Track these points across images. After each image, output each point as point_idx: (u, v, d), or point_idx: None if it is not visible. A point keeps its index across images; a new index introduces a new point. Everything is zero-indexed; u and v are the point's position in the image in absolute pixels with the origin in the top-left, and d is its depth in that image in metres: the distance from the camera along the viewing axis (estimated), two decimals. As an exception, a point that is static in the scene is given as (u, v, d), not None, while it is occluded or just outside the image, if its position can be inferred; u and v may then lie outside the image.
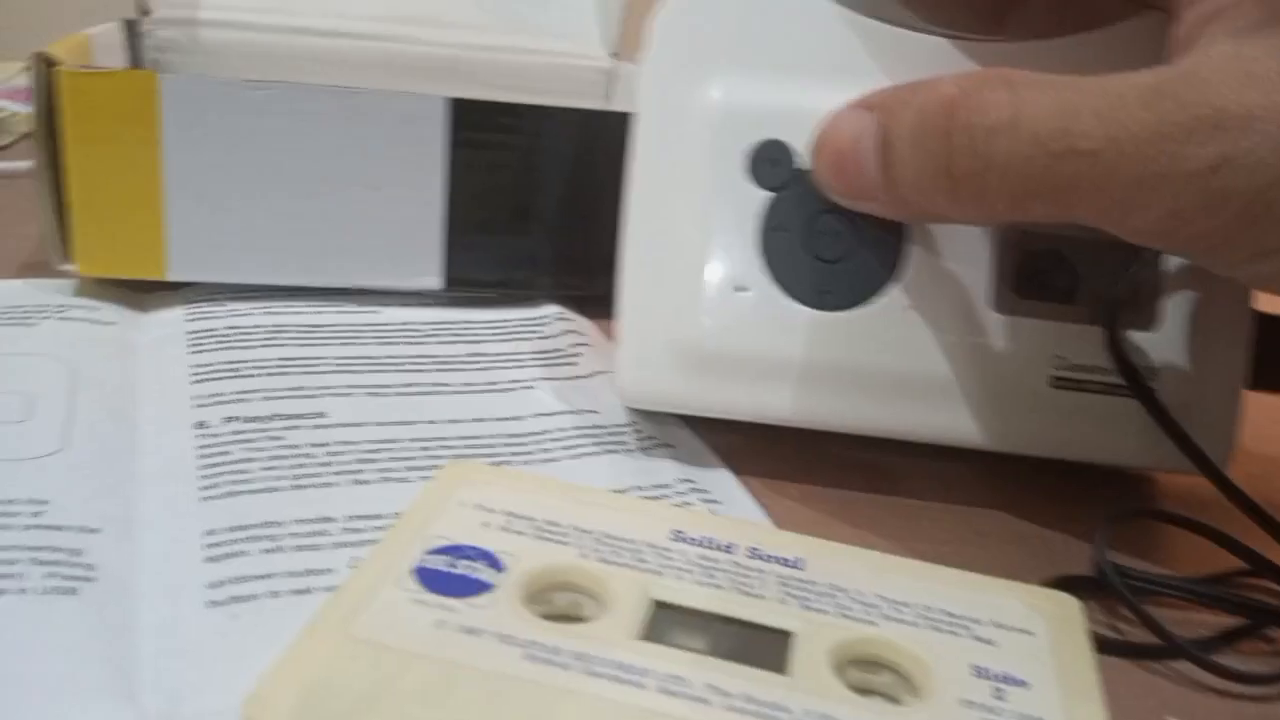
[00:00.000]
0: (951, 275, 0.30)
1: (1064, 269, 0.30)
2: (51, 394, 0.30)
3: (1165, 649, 0.26)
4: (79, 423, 0.29)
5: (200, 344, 0.34)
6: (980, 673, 0.21)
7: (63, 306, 0.36)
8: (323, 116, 0.36)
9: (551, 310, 0.40)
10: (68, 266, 0.37)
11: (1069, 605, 0.24)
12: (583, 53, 0.52)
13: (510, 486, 0.25)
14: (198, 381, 0.32)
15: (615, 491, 0.29)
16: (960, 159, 0.25)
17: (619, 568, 0.23)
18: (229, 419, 0.30)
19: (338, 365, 0.34)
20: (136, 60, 0.49)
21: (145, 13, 0.49)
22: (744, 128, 0.30)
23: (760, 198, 0.30)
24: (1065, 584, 0.26)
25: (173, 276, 0.37)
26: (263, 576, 0.24)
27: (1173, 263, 0.31)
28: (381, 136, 0.37)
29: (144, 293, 0.38)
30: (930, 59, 0.30)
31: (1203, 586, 0.28)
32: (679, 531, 0.24)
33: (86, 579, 0.23)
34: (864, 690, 0.21)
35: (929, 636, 0.22)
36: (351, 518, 0.27)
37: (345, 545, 0.26)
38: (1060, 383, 0.30)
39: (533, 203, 0.39)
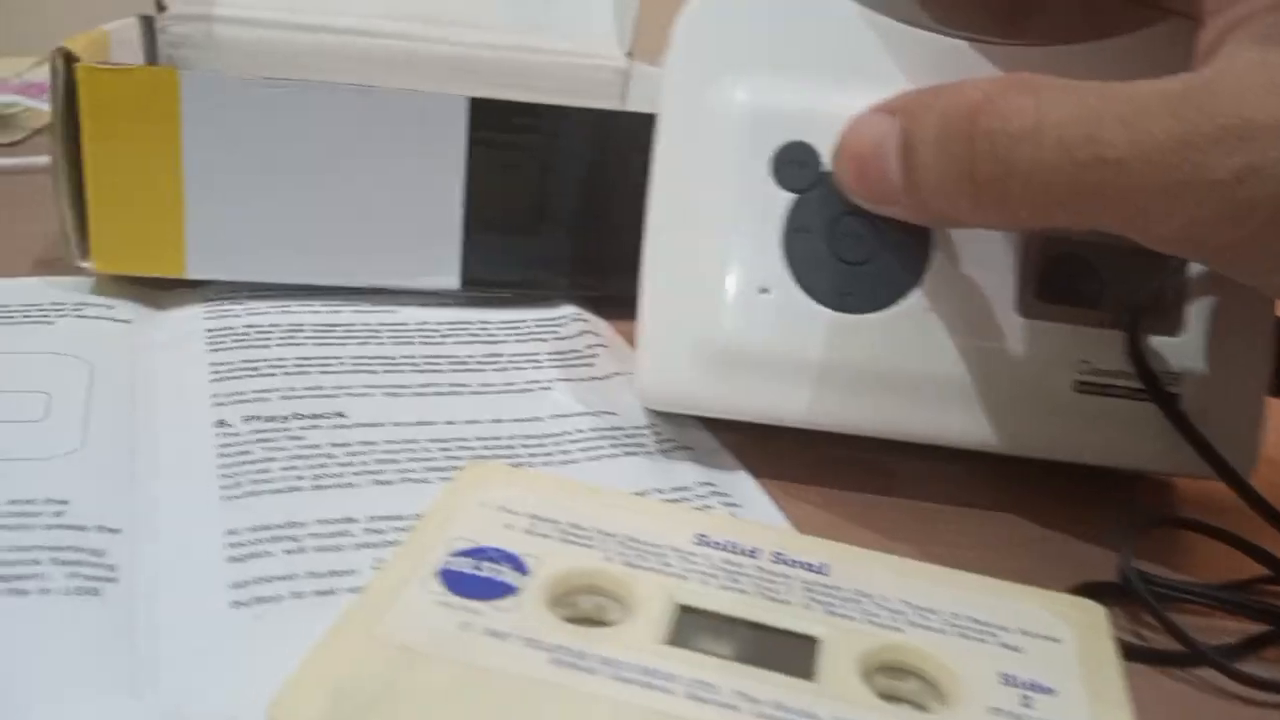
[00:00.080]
0: (975, 279, 0.30)
1: (1088, 273, 0.30)
2: (70, 392, 0.30)
3: (1189, 656, 0.25)
4: (98, 421, 0.29)
5: (219, 342, 0.34)
6: (1008, 680, 0.21)
7: (80, 304, 0.36)
8: (343, 115, 0.36)
9: (568, 311, 0.40)
10: (85, 264, 0.36)
11: (1095, 612, 0.24)
12: (599, 52, 0.52)
13: (532, 488, 0.25)
14: (217, 380, 0.32)
15: (635, 494, 0.29)
16: (983, 165, 0.25)
17: (643, 571, 0.23)
18: (249, 418, 0.30)
19: (355, 365, 0.34)
20: (152, 56, 0.48)
21: (162, 8, 0.49)
22: (768, 129, 0.30)
23: (784, 199, 0.30)
24: (1088, 590, 0.26)
25: (192, 274, 0.37)
26: (286, 577, 0.24)
27: (1196, 268, 0.30)
28: (402, 135, 0.37)
29: (161, 290, 0.38)
30: (953, 62, 0.30)
31: (1225, 593, 0.28)
32: (702, 535, 0.24)
33: (109, 579, 0.23)
34: (891, 697, 0.21)
35: (956, 643, 0.22)
36: (373, 518, 0.26)
37: (368, 546, 0.25)
38: (1084, 387, 0.30)
39: (549, 203, 0.39)
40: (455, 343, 0.37)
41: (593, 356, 0.37)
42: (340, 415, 0.31)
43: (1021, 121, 0.25)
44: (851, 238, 0.30)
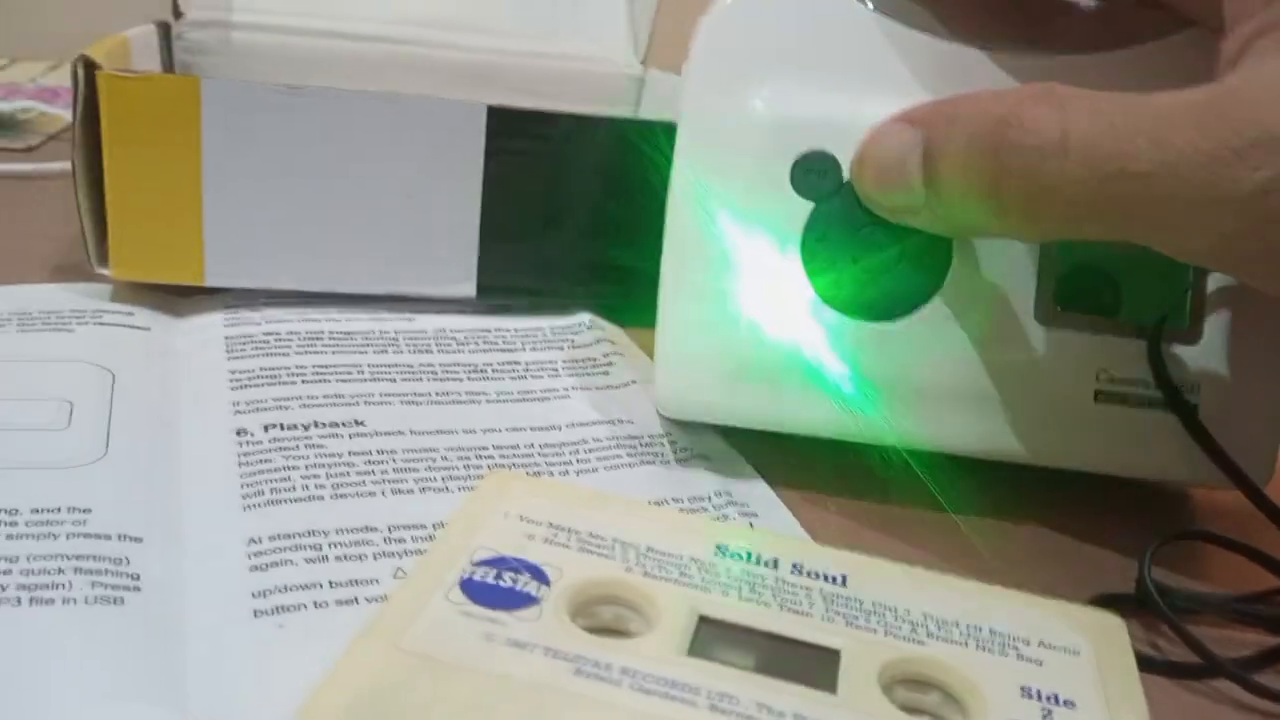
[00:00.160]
0: (994, 288, 0.30)
1: (1108, 282, 0.30)
2: (91, 400, 0.30)
3: (1207, 668, 0.25)
4: (119, 429, 0.29)
5: (238, 350, 0.34)
6: (1028, 693, 0.21)
7: (99, 311, 0.36)
8: (364, 122, 0.36)
9: (583, 318, 0.40)
10: (104, 271, 0.37)
11: (1113, 624, 0.24)
12: (613, 59, 0.52)
13: (552, 498, 0.25)
14: (237, 388, 0.32)
15: (654, 504, 0.29)
16: (1009, 178, 0.25)
17: (664, 582, 0.23)
18: (268, 426, 0.30)
19: (374, 373, 0.34)
20: (168, 62, 0.49)
21: (178, 14, 0.49)
22: (788, 138, 0.30)
23: (803, 208, 0.30)
24: (1105, 602, 0.26)
25: (210, 282, 0.37)
26: (307, 586, 0.24)
27: (1216, 278, 0.30)
28: (422, 143, 0.37)
29: (179, 297, 0.38)
30: (973, 72, 0.30)
31: (1243, 605, 0.28)
32: (722, 546, 0.24)
33: (132, 588, 0.23)
34: (913, 710, 0.21)
35: (976, 656, 0.22)
36: (394, 527, 0.27)
37: (389, 555, 0.26)
38: (1103, 397, 0.30)
39: (565, 210, 0.39)
40: (472, 350, 0.37)
41: (609, 364, 0.37)
42: (359, 423, 0.31)
43: (1048, 134, 0.25)
44: (870, 247, 0.30)
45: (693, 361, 0.31)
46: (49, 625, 0.22)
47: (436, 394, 0.33)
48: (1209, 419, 0.30)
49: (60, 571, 0.23)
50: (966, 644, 0.22)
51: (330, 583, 0.24)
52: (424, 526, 0.27)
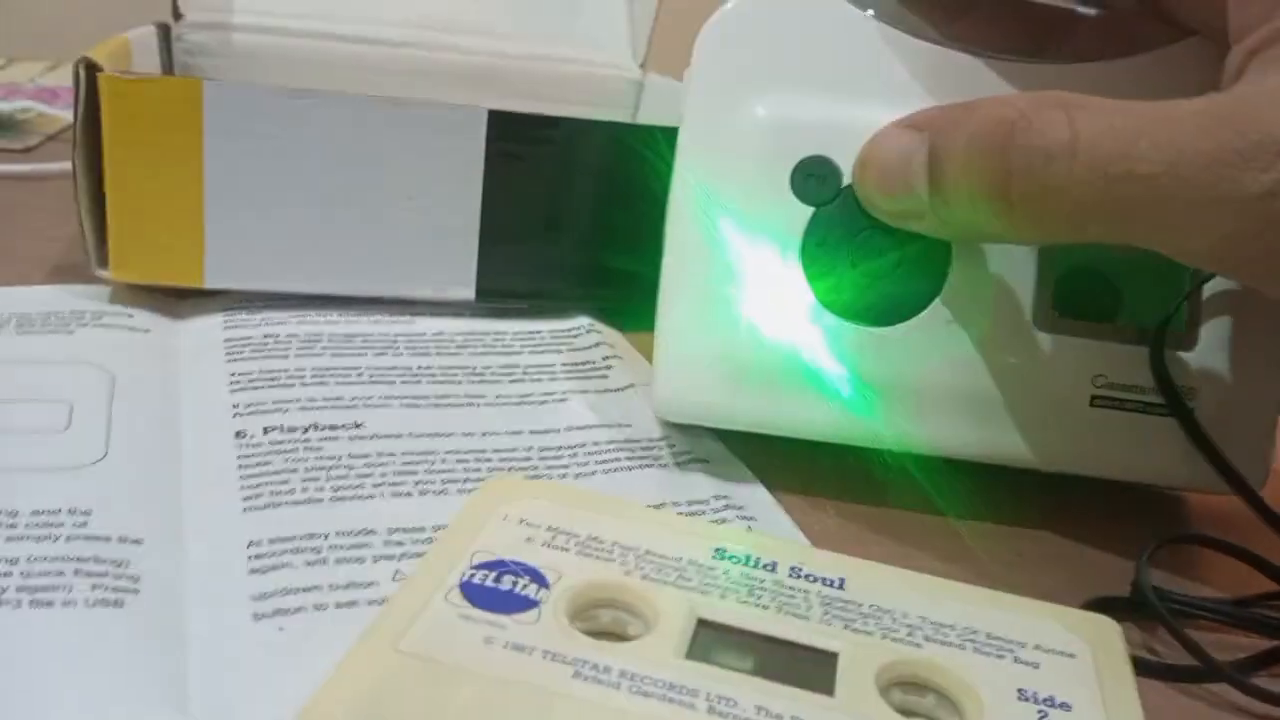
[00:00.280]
0: (994, 292, 0.30)
1: (1106, 287, 0.31)
2: (91, 402, 0.30)
3: (1204, 671, 0.26)
4: (119, 431, 0.29)
5: (237, 352, 0.35)
6: (1025, 696, 0.21)
7: (99, 313, 0.36)
8: (365, 126, 0.36)
9: (582, 322, 0.40)
10: (104, 273, 0.37)
11: (1109, 628, 0.24)
12: (612, 63, 0.52)
13: (551, 501, 0.25)
14: (236, 390, 0.32)
15: (652, 507, 0.29)
16: (1017, 181, 0.25)
17: (663, 585, 0.23)
18: (268, 429, 0.30)
19: (373, 376, 0.34)
20: (168, 64, 0.49)
21: (178, 16, 0.49)
22: (788, 143, 0.30)
23: (803, 213, 0.30)
24: (1102, 605, 0.26)
25: (210, 284, 0.37)
26: (307, 589, 0.24)
27: (1211, 284, 0.31)
28: (423, 146, 0.37)
29: (179, 299, 0.38)
30: (974, 79, 0.30)
31: (1239, 608, 0.28)
32: (721, 549, 0.24)
33: (131, 590, 0.23)
34: (909, 713, 0.21)
35: (973, 659, 0.22)
36: (393, 530, 0.27)
37: (388, 558, 0.26)
38: (1100, 401, 0.30)
39: (564, 214, 0.39)
40: (471, 354, 0.37)
41: (607, 368, 0.37)
42: (358, 426, 0.31)
43: (1058, 137, 0.25)
44: (870, 252, 0.30)
45: (692, 365, 0.31)
46: (49, 627, 0.22)
47: (436, 397, 0.34)
48: (1204, 423, 0.30)
49: (60, 574, 0.23)
50: (963, 647, 0.22)
51: (330, 585, 0.24)
52: (423, 529, 0.27)
